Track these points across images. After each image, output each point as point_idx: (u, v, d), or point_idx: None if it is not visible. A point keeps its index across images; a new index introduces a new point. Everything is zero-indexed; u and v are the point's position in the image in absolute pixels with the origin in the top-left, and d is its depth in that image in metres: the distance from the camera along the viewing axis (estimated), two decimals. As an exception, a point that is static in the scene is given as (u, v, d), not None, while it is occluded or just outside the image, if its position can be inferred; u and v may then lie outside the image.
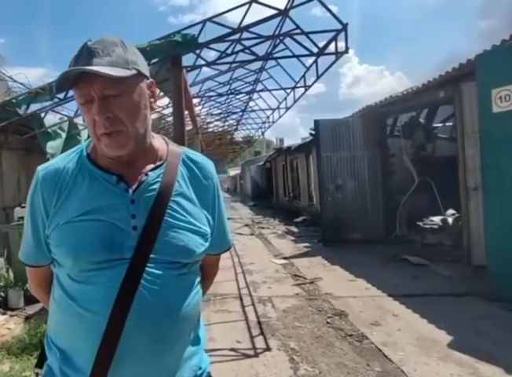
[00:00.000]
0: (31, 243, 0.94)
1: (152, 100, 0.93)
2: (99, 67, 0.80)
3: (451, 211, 8.58)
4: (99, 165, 0.91)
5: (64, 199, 0.89)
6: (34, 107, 5.31)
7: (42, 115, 5.48)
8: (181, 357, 0.91)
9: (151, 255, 0.86)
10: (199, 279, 0.98)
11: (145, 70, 0.91)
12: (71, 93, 5.01)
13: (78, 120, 6.30)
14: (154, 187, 0.90)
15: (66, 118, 5.93)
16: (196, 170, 0.98)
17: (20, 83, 5.73)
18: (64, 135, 5.61)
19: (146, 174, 0.91)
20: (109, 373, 0.83)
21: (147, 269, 0.85)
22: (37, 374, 0.97)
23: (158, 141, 0.97)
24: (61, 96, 5.01)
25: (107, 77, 0.80)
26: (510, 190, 4.14)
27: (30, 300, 4.10)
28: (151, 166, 0.93)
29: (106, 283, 0.85)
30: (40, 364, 0.97)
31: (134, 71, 0.86)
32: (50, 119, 5.80)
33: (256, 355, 3.24)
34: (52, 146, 5.30)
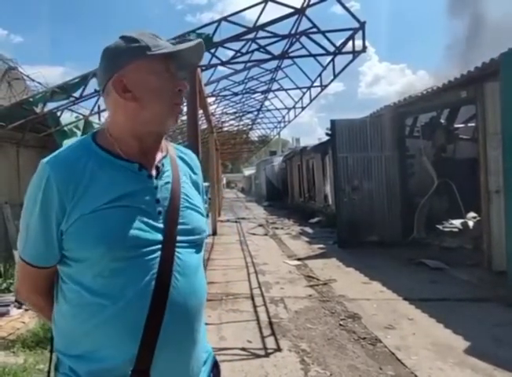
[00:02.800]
0: (41, 242, 0.89)
1: None
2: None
3: (471, 214, 8.34)
4: (117, 154, 0.92)
5: (84, 190, 0.87)
6: (50, 105, 5.46)
7: (59, 113, 5.61)
8: (200, 339, 0.97)
9: (178, 238, 0.91)
10: None
11: None
12: (86, 91, 5.13)
13: (94, 119, 6.43)
14: (168, 174, 0.97)
15: (81, 116, 6.06)
16: (189, 161, 1.08)
17: (38, 82, 5.89)
18: (79, 133, 5.73)
19: (161, 162, 0.97)
20: (152, 363, 0.84)
21: (176, 251, 0.90)
22: None
23: None
24: (77, 94, 5.13)
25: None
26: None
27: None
28: (161, 155, 0.99)
29: (141, 272, 0.86)
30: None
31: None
32: (66, 118, 5.94)
33: (266, 355, 3.22)
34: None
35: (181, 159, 1.07)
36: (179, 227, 0.92)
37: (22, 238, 0.93)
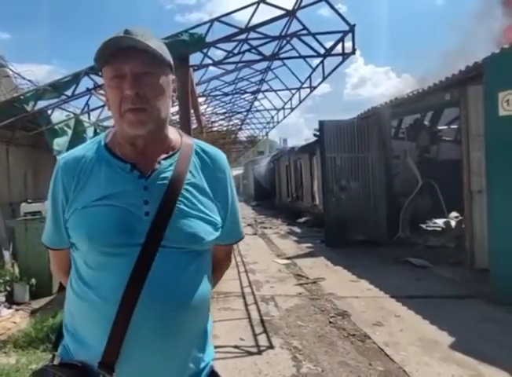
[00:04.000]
0: (52, 226, 1.00)
1: (174, 94, 0.99)
2: (145, 43, 0.87)
3: (454, 214, 8.59)
4: (115, 154, 0.96)
5: (83, 186, 0.94)
6: (41, 104, 5.39)
7: (49, 111, 5.54)
8: (186, 345, 0.94)
9: (163, 242, 0.88)
10: (209, 270, 1.01)
11: (172, 64, 0.98)
12: (78, 90, 5.08)
13: (84, 118, 6.36)
14: (166, 175, 0.93)
15: (72, 115, 5.99)
16: (209, 161, 1.01)
17: (28, 80, 5.79)
18: (69, 132, 5.66)
19: (159, 163, 0.94)
20: (119, 358, 0.86)
21: (158, 255, 0.88)
22: (53, 355, 1.01)
23: (172, 133, 1.01)
24: (68, 93, 5.06)
25: (143, 56, 0.87)
26: (515, 193, 4.15)
27: (35, 294, 4.15)
28: (164, 155, 0.96)
29: (118, 269, 0.88)
30: (57, 345, 1.02)
31: (167, 60, 0.93)
32: (57, 116, 5.87)
33: (259, 353, 3.27)
34: (58, 143, 5.36)
35: (200, 158, 1.00)
36: (168, 231, 0.89)
37: (45, 222, 1.05)
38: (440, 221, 8.67)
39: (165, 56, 0.92)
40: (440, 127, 9.75)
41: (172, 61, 0.97)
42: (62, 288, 4.46)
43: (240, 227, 1.11)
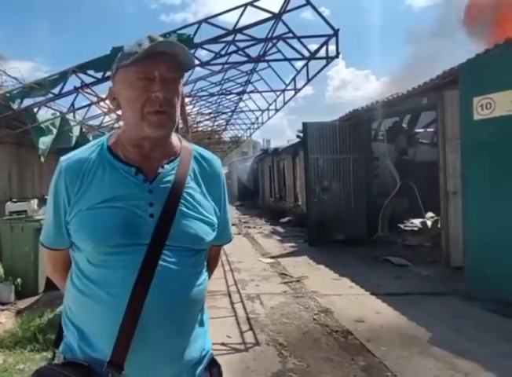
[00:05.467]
0: (52, 227, 1.01)
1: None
2: (184, 50, 0.92)
3: (430, 214, 8.90)
4: (119, 157, 0.98)
5: (86, 188, 0.95)
6: (26, 101, 5.28)
7: (35, 110, 5.44)
8: (190, 338, 0.98)
9: (167, 242, 0.93)
10: (206, 267, 1.07)
11: None
12: (65, 88, 5.00)
13: (70, 116, 6.26)
14: (169, 178, 0.98)
15: (58, 113, 5.88)
16: (206, 165, 1.06)
17: (13, 77, 5.66)
18: (55, 131, 5.56)
19: (162, 167, 0.98)
20: (128, 353, 0.88)
21: (163, 254, 0.92)
22: (54, 353, 1.02)
23: (173, 138, 1.05)
24: (55, 91, 4.99)
25: (172, 61, 0.92)
26: (489, 194, 4.33)
27: (21, 294, 4.10)
28: (167, 159, 1.00)
29: (124, 267, 0.90)
30: (57, 343, 1.03)
31: (193, 64, 1.00)
32: (42, 115, 5.75)
33: (246, 349, 3.34)
34: (44, 141, 5.25)
35: (198, 163, 1.05)
36: (172, 232, 0.93)
37: (44, 223, 1.07)
38: (417, 221, 8.97)
39: (191, 64, 0.98)
40: (417, 130, 10.08)
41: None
42: (48, 288, 4.41)
43: (230, 229, 1.18)
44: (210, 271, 1.18)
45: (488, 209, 4.36)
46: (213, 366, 1.08)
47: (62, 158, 1.01)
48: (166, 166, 0.99)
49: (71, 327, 0.97)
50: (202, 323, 1.05)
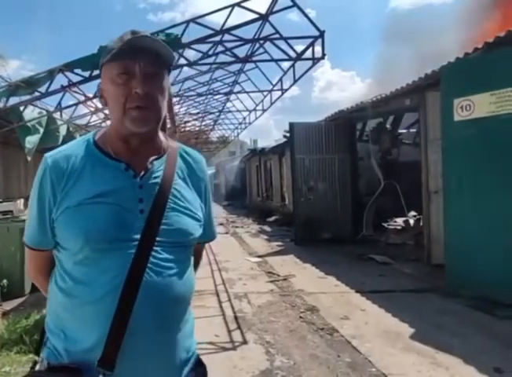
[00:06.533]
0: (36, 226, 0.98)
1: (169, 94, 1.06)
2: (161, 44, 0.92)
3: (412, 213, 9.10)
4: (107, 152, 0.97)
5: (73, 184, 0.93)
6: (12, 100, 5.18)
7: (21, 108, 5.34)
8: (179, 338, 0.98)
9: (157, 238, 0.92)
10: (192, 264, 1.06)
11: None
12: (52, 87, 4.93)
13: (57, 115, 6.16)
14: (158, 174, 0.98)
15: (45, 112, 5.79)
16: (192, 163, 1.07)
17: (-1, 76, 5.53)
18: (41, 130, 5.46)
19: (151, 163, 0.98)
20: (120, 351, 0.87)
21: (153, 250, 0.91)
22: (35, 361, 1.00)
23: (160, 135, 1.04)
24: (42, 89, 4.91)
25: (153, 56, 0.92)
26: (469, 194, 4.46)
27: (6, 296, 4.02)
28: (155, 155, 1.00)
29: (114, 265, 0.89)
30: (38, 351, 1.00)
31: (175, 60, 1.00)
32: (29, 113, 5.62)
33: (234, 348, 3.37)
34: (30, 141, 5.15)
35: (184, 160, 1.06)
36: (162, 227, 0.93)
37: (26, 222, 1.04)
38: (400, 220, 9.16)
39: (172, 59, 0.97)
40: (400, 131, 10.29)
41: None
42: (35, 289, 4.34)
43: (214, 227, 1.18)
44: (195, 270, 1.17)
45: (467, 208, 4.49)
46: (199, 366, 1.07)
47: (47, 154, 0.98)
48: (154, 162, 0.99)
49: (57, 330, 0.95)
50: (189, 323, 1.05)
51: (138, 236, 0.91)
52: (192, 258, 1.07)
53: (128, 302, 0.88)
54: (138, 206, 0.94)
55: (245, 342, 3.49)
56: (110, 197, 0.92)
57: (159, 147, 1.02)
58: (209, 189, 1.12)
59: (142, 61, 0.91)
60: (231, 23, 5.25)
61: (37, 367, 0.96)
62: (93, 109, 6.80)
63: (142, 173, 0.96)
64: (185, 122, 14.68)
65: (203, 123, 15.88)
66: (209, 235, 1.15)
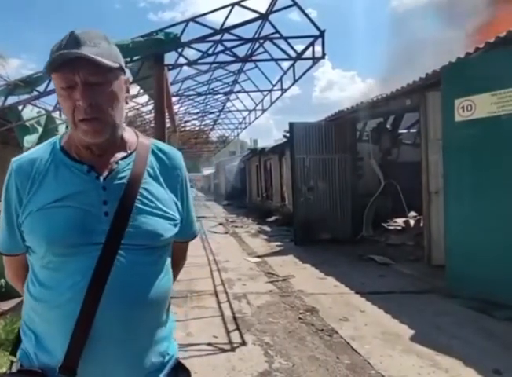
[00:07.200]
0: (5, 232, 0.97)
1: (127, 94, 0.98)
2: (90, 55, 0.84)
3: (412, 213, 9.09)
4: (71, 156, 0.95)
5: (37, 188, 0.92)
6: (11, 99, 5.15)
7: (20, 107, 5.31)
8: (149, 342, 0.95)
9: (123, 240, 0.89)
10: (169, 265, 1.02)
11: (123, 66, 0.96)
12: (51, 86, 4.90)
13: (56, 115, 6.14)
14: (124, 174, 0.94)
15: (44, 111, 5.77)
16: (166, 160, 1.03)
17: (-4, 74, 5.52)
18: (40, 129, 5.45)
19: (116, 163, 0.95)
20: (82, 357, 0.86)
21: (118, 254, 0.89)
22: (11, 361, 0.99)
23: (128, 133, 1.01)
24: (40, 89, 4.88)
25: (93, 65, 0.85)
26: (469, 194, 4.45)
27: (4, 296, 4.00)
28: (122, 155, 0.97)
29: (78, 269, 0.87)
30: (15, 351, 0.99)
31: (117, 64, 0.91)
32: (27, 113, 5.61)
33: (232, 349, 3.34)
34: (29, 140, 5.15)
35: (157, 157, 1.02)
36: (128, 229, 0.90)
37: None
38: (400, 221, 9.15)
39: (113, 64, 0.89)
40: (400, 131, 10.28)
41: (123, 63, 0.95)
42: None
43: (194, 225, 1.13)
44: (176, 269, 1.14)
45: (468, 209, 4.47)
46: (182, 372, 1.03)
47: (13, 159, 0.98)
48: (120, 162, 0.95)
49: (29, 332, 0.95)
50: (165, 327, 1.01)
51: (100, 240, 0.88)
52: (169, 259, 1.03)
53: (90, 310, 0.86)
54: (102, 209, 0.91)
55: (244, 343, 3.47)
56: (72, 200, 0.90)
57: (126, 146, 0.98)
58: (187, 186, 1.07)
59: (82, 71, 0.85)
60: (230, 22, 5.25)
61: (13, 368, 0.96)
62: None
63: (106, 173, 0.93)
64: (185, 122, 14.68)
65: (203, 123, 15.90)
66: (188, 234, 1.12)
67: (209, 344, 3.43)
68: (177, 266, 1.14)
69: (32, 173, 0.93)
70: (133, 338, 0.91)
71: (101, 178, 0.93)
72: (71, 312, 0.86)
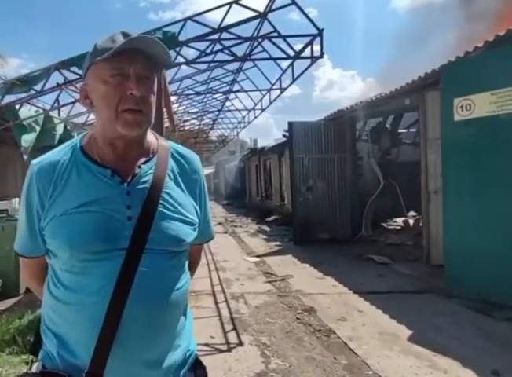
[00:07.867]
0: (26, 234, 0.97)
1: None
2: (162, 48, 0.89)
3: (411, 213, 9.08)
4: (93, 159, 0.94)
5: (60, 192, 0.92)
6: (8, 98, 5.15)
7: (17, 106, 5.30)
8: (173, 340, 0.97)
9: (147, 245, 0.90)
10: (187, 267, 1.04)
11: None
12: (48, 85, 4.90)
13: (54, 114, 6.12)
14: (147, 179, 0.94)
15: (42, 110, 5.75)
16: (184, 163, 1.03)
17: (-6, 73, 5.52)
18: (38, 129, 5.43)
19: (139, 167, 0.95)
20: (108, 362, 0.86)
21: (142, 258, 0.89)
22: (32, 360, 1.01)
23: (149, 136, 1.01)
24: (38, 88, 4.86)
25: (148, 59, 0.89)
26: (468, 194, 4.43)
27: (1, 296, 3.99)
28: (144, 159, 0.97)
29: (103, 273, 0.88)
30: (34, 349, 1.00)
31: (171, 61, 0.97)
32: (25, 112, 5.59)
33: (229, 350, 3.33)
34: (26, 139, 5.12)
35: (176, 161, 1.02)
36: (151, 235, 0.90)
37: (17, 231, 1.02)
38: (399, 220, 9.14)
39: (169, 61, 0.95)
40: (400, 130, 10.26)
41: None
42: (29, 289, 4.29)
43: (211, 226, 1.15)
44: (193, 269, 1.16)
45: (467, 208, 4.45)
46: (198, 367, 1.07)
47: (33, 161, 0.97)
48: (143, 166, 0.95)
49: (50, 334, 0.95)
50: (185, 325, 1.03)
51: (127, 245, 0.89)
52: (187, 262, 1.04)
53: (116, 314, 0.86)
54: (126, 213, 0.91)
55: (241, 343, 3.46)
56: (96, 206, 0.90)
57: (148, 149, 0.99)
58: (204, 190, 1.08)
59: (138, 63, 0.89)
60: (229, 21, 5.23)
61: (33, 368, 0.96)
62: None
63: (129, 178, 0.93)
64: (184, 121, 14.67)
65: (202, 122, 15.88)
66: (206, 235, 1.13)
67: (206, 344, 3.41)
68: (193, 267, 1.16)
69: (54, 176, 0.92)
70: (158, 337, 0.93)
71: (125, 183, 0.92)
72: (97, 314, 0.86)
